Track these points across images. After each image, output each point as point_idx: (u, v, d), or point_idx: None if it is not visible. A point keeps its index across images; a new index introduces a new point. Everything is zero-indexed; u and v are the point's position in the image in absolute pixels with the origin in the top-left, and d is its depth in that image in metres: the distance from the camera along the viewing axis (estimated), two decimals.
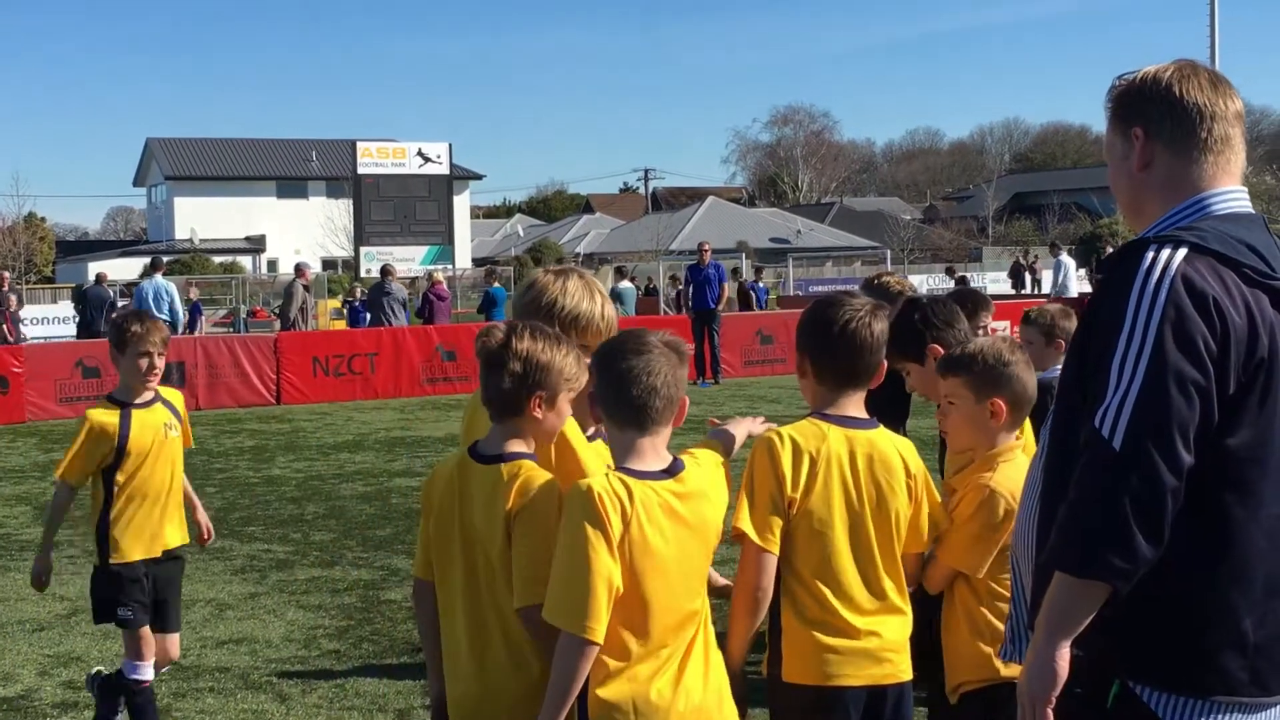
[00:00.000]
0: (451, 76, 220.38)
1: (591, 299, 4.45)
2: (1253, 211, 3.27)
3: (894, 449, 4.29)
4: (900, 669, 4.25)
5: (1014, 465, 4.53)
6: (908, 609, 4.31)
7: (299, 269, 28.49)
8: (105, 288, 31.17)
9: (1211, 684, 3.08)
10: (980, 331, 6.35)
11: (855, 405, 4.28)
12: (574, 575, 3.66)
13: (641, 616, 3.75)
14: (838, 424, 4.22)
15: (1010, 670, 4.43)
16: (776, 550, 4.11)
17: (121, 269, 67.02)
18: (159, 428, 6.69)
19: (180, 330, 27.87)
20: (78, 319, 31.56)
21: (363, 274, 38.65)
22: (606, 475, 3.78)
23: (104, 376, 21.54)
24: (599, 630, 3.64)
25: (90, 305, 30.35)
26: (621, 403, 3.84)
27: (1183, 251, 3.06)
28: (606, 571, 3.65)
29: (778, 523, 4.11)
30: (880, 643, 4.20)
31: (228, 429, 19.78)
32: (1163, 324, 2.98)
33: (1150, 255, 3.07)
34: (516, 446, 3.98)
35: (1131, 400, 2.97)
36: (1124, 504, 2.95)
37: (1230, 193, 3.24)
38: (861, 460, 4.21)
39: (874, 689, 4.18)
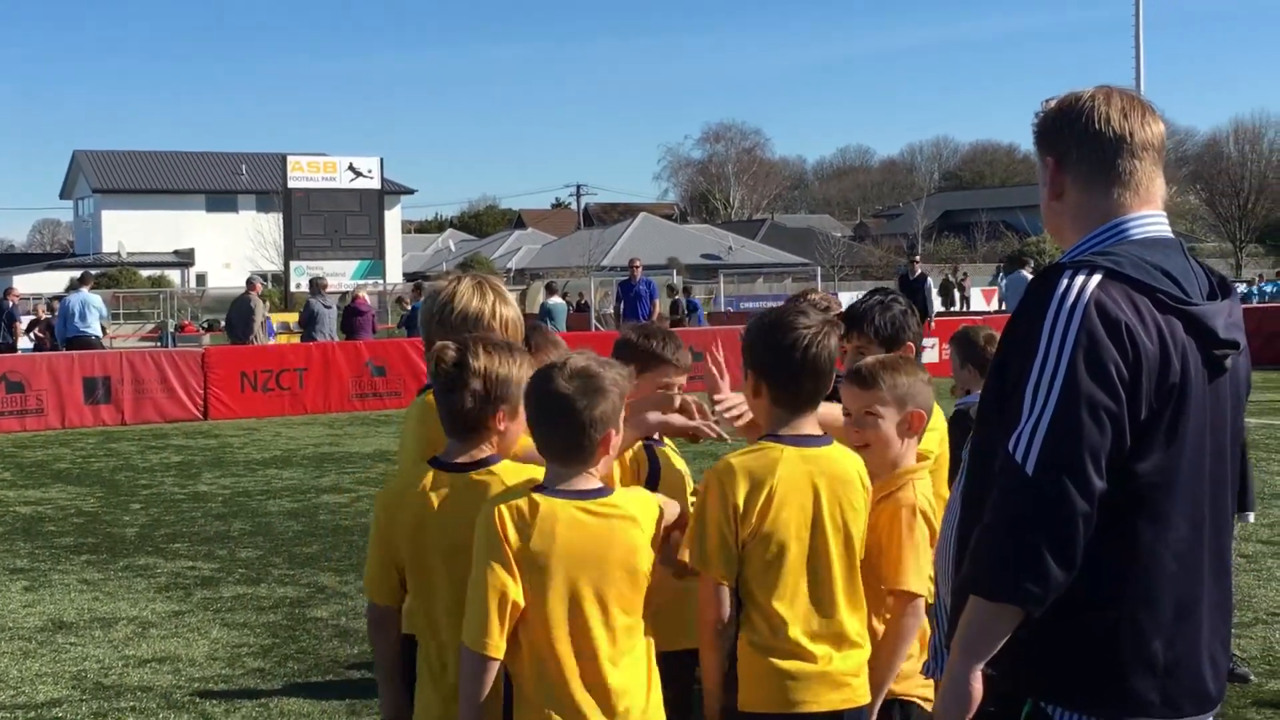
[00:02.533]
0: (383, 91, 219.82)
1: (482, 298, 4.47)
2: (1170, 236, 3.29)
3: (851, 465, 4.25)
4: (858, 693, 4.18)
5: (926, 483, 4.57)
6: (865, 631, 4.24)
7: (251, 283, 28.14)
8: (9, 301, 30.73)
9: (1122, 705, 3.11)
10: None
11: (811, 424, 4.22)
12: (473, 594, 3.76)
13: (548, 637, 3.77)
14: (794, 444, 4.14)
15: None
16: (730, 581, 4.04)
17: (48, 282, 66.26)
18: None
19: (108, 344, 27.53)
20: None
21: (293, 288, 38.38)
22: (516, 493, 3.84)
23: (27, 392, 21.28)
24: (493, 644, 3.73)
25: None
26: (551, 439, 3.87)
27: (1097, 278, 3.09)
28: (500, 587, 3.72)
29: (730, 553, 4.03)
30: (839, 667, 4.12)
31: (153, 444, 19.58)
32: (1075, 350, 3.01)
33: (1065, 281, 3.10)
34: (486, 452, 4.04)
35: (1044, 426, 3.00)
36: (1036, 529, 2.98)
37: (1148, 217, 3.27)
38: (821, 480, 4.13)
39: (831, 715, 4.11)
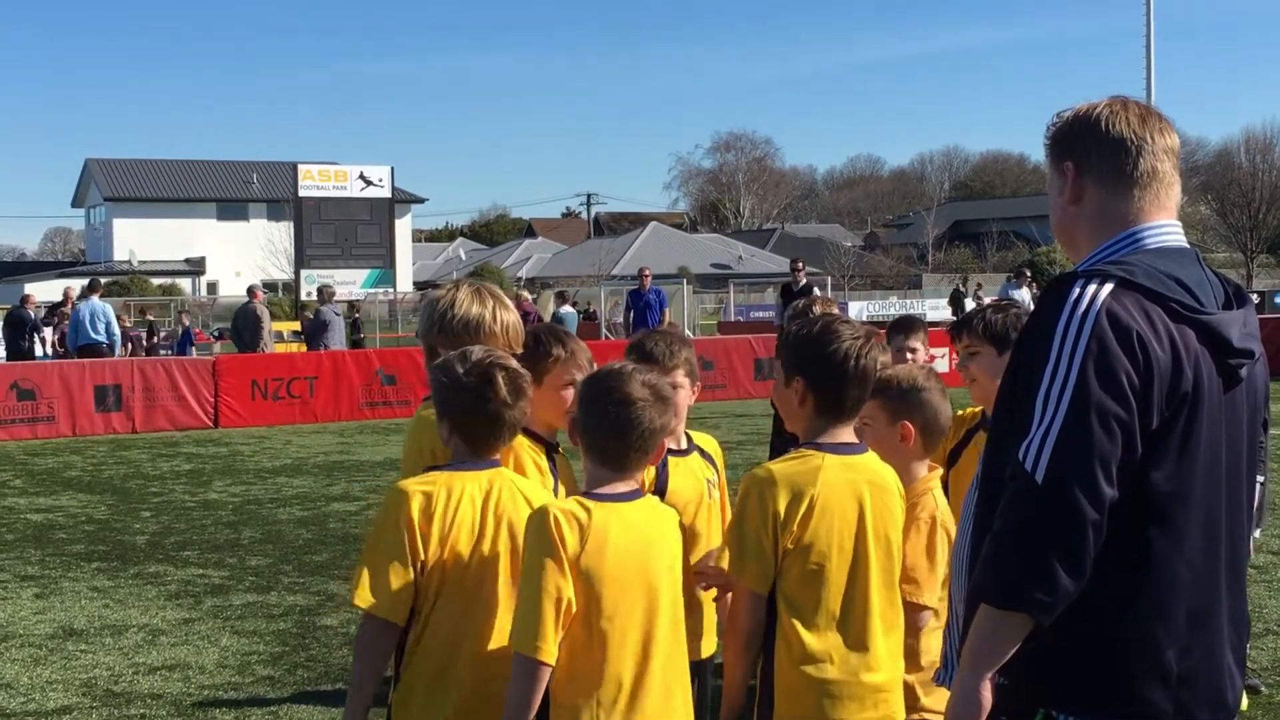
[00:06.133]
0: (394, 99, 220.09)
1: (481, 303, 4.49)
2: (1185, 245, 3.29)
3: (889, 473, 4.24)
4: (895, 710, 4.14)
5: (939, 492, 4.59)
6: (900, 644, 4.19)
7: (253, 291, 28.04)
8: (29, 309, 30.45)
9: (1135, 715, 3.10)
10: (909, 354, 6.46)
11: (848, 432, 4.20)
12: (526, 597, 3.74)
13: (602, 640, 3.77)
14: (834, 452, 4.11)
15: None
16: (765, 590, 4.00)
17: (58, 291, 66.39)
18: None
19: (116, 352, 27.49)
20: (4, 342, 30.79)
21: (304, 296, 38.39)
22: (567, 499, 3.87)
23: (38, 399, 21.31)
24: (547, 649, 3.70)
25: (11, 327, 29.71)
26: (607, 449, 3.89)
27: (1109, 286, 3.08)
28: (555, 592, 3.70)
29: (767, 563, 3.99)
30: (876, 681, 4.07)
31: (164, 452, 19.60)
32: (1086, 358, 3.01)
33: (1077, 289, 3.09)
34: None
35: (1054, 434, 2.99)
36: (1045, 537, 2.97)
37: (1163, 226, 3.27)
38: (865, 489, 4.10)
39: None
